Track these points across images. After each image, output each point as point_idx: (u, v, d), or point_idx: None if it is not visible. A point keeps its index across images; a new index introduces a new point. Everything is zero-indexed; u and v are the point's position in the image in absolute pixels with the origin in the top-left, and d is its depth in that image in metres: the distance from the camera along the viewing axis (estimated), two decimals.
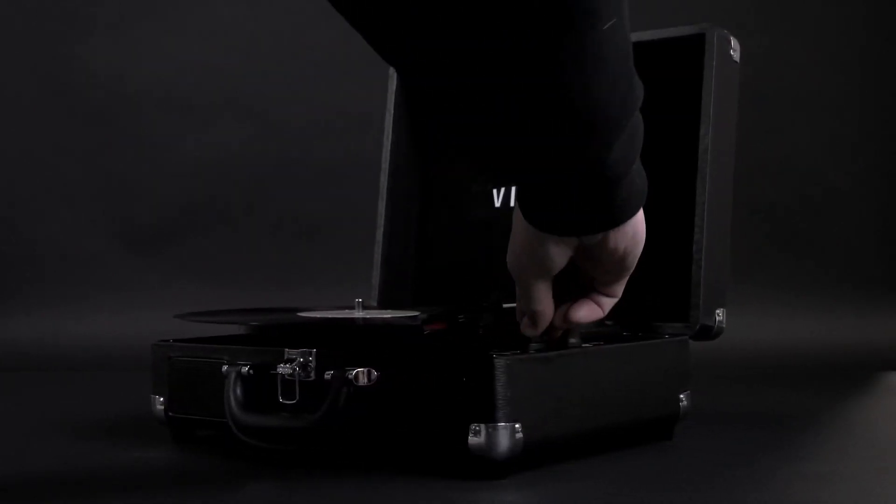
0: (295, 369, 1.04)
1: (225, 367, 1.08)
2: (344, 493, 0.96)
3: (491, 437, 0.95)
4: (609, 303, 1.01)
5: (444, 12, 0.71)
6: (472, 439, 0.96)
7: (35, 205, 2.25)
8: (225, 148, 2.32)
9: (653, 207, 1.28)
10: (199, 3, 2.34)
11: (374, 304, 1.43)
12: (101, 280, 2.24)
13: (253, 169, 2.33)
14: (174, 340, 1.16)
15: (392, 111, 1.46)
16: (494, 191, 1.39)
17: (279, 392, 1.05)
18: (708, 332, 1.22)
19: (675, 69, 1.27)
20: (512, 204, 1.34)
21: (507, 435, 0.95)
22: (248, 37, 2.32)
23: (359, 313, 1.20)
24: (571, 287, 1.00)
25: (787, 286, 2.20)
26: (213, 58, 2.33)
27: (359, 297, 1.24)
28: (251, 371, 1.07)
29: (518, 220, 0.93)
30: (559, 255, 0.93)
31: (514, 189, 1.01)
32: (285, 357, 1.05)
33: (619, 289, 1.00)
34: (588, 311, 1.00)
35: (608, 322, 1.17)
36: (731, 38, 1.27)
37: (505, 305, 1.08)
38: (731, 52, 1.27)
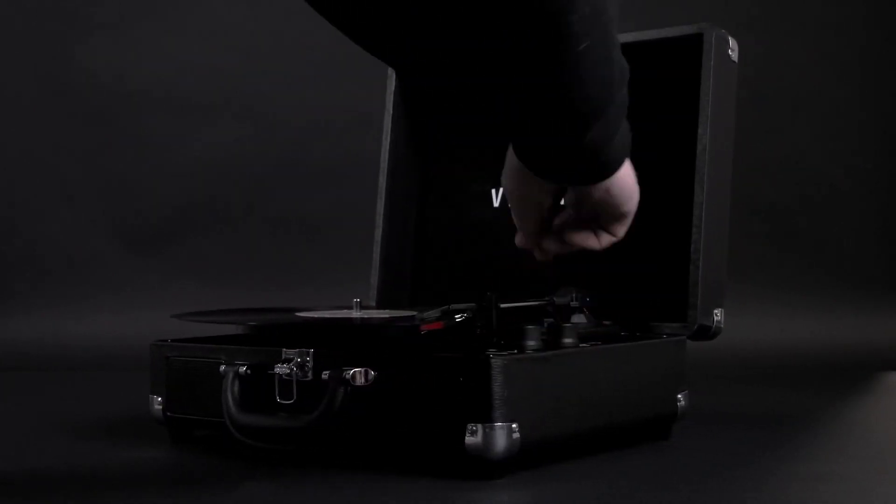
0: (292, 369, 1.04)
1: (222, 367, 1.08)
2: (341, 493, 0.96)
3: (488, 437, 0.95)
4: (608, 239, 1.04)
5: (444, 13, 0.76)
6: (468, 439, 0.96)
7: (35, 205, 2.25)
8: (225, 148, 2.32)
9: (651, 207, 1.28)
10: (199, 3, 2.34)
11: (373, 304, 1.43)
12: (101, 280, 2.24)
13: (253, 169, 2.33)
14: (172, 340, 1.16)
15: (391, 111, 1.46)
16: (493, 191, 1.39)
17: (276, 392, 1.05)
18: (706, 332, 1.22)
19: (673, 69, 1.27)
20: None
21: (503, 435, 0.95)
22: (248, 37, 2.32)
23: (356, 313, 1.20)
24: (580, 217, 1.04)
25: (787, 286, 2.20)
26: (213, 58, 2.33)
27: (359, 298, 1.24)
28: (249, 371, 1.07)
29: (510, 150, 0.98)
30: (543, 190, 0.99)
31: None
32: (283, 357, 1.05)
33: (620, 230, 1.04)
34: (582, 237, 1.03)
35: (606, 322, 1.17)
36: (730, 38, 1.27)
37: (502, 305, 1.08)
38: (730, 52, 1.27)
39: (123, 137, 2.32)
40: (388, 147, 1.46)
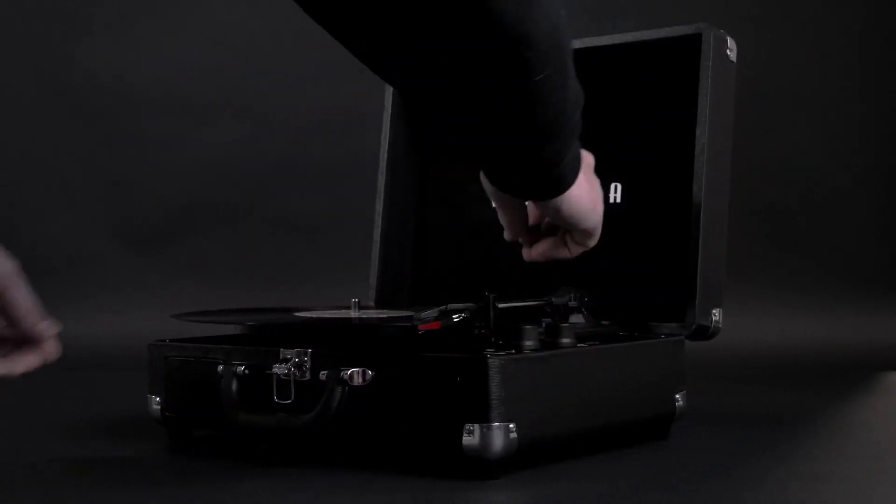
0: (290, 369, 1.04)
1: (221, 367, 1.08)
2: (338, 492, 0.96)
3: (485, 437, 0.95)
4: (577, 249, 1.09)
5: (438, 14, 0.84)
6: (466, 439, 0.96)
7: (35, 205, 2.25)
8: (225, 148, 2.32)
9: (650, 207, 1.29)
10: (199, 3, 2.34)
11: (372, 303, 1.43)
12: (101, 280, 2.24)
13: (253, 169, 2.33)
14: (170, 341, 1.16)
15: (389, 111, 1.46)
16: None
17: (274, 392, 1.05)
18: (704, 332, 1.22)
19: (671, 69, 1.27)
20: None
21: (501, 435, 0.95)
22: (247, 37, 2.32)
23: (355, 313, 1.20)
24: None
25: (787, 286, 2.20)
26: (213, 58, 2.33)
27: (359, 298, 1.24)
28: (247, 371, 1.07)
29: None
30: (513, 201, 1.07)
31: None
32: (281, 357, 1.05)
33: (590, 241, 1.09)
34: (550, 248, 1.09)
35: (605, 322, 1.17)
36: (728, 38, 1.27)
37: (500, 305, 1.08)
38: (728, 52, 1.27)
39: (123, 137, 2.32)
40: (386, 147, 1.46)
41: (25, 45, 2.30)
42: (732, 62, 1.27)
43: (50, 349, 0.98)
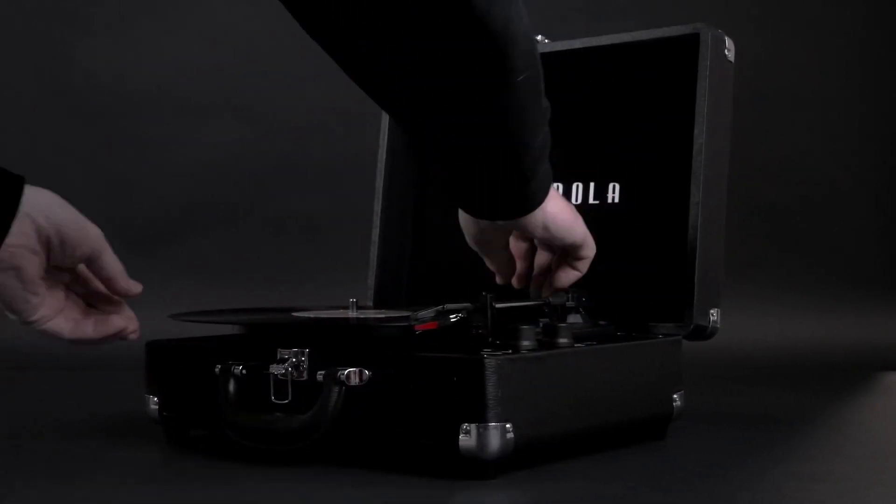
0: (288, 369, 1.04)
1: (218, 368, 1.08)
2: (335, 492, 0.96)
3: (482, 437, 0.95)
4: (582, 264, 1.15)
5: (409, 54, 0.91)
6: (462, 439, 0.96)
7: None
8: (225, 148, 2.32)
9: (648, 207, 1.29)
10: (199, 3, 2.34)
11: (370, 304, 1.43)
12: None
13: (253, 169, 2.33)
14: (168, 341, 1.17)
15: None
16: None
17: (272, 392, 1.05)
18: (702, 332, 1.22)
19: (669, 69, 1.27)
20: None
21: (497, 435, 0.95)
22: (248, 37, 2.32)
23: (352, 313, 1.20)
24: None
25: (787, 286, 2.20)
26: (213, 58, 2.33)
27: (359, 298, 1.24)
28: (244, 371, 1.07)
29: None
30: (491, 232, 1.12)
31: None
32: (278, 357, 1.05)
33: (588, 251, 1.14)
34: (562, 276, 1.15)
35: (602, 322, 1.17)
36: (726, 38, 1.27)
37: (498, 305, 1.08)
38: (726, 52, 1.27)
39: (123, 137, 2.32)
40: (385, 148, 1.46)
41: (25, 45, 2.30)
42: (731, 62, 1.27)
43: (130, 319, 1.10)
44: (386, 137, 1.46)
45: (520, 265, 1.18)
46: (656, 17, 1.93)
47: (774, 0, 2.31)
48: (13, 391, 1.73)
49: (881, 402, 1.61)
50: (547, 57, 1.35)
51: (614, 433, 1.11)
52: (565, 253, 1.15)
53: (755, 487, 0.97)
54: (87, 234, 1.05)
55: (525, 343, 1.02)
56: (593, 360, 1.07)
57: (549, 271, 1.17)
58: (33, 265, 1.02)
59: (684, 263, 1.22)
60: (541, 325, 1.09)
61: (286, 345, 1.04)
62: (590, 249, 1.14)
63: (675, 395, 1.16)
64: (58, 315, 1.06)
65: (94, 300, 1.10)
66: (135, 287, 1.09)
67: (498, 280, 1.19)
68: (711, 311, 1.23)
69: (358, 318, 1.16)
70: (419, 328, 1.02)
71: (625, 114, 1.32)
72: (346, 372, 1.00)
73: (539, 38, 1.37)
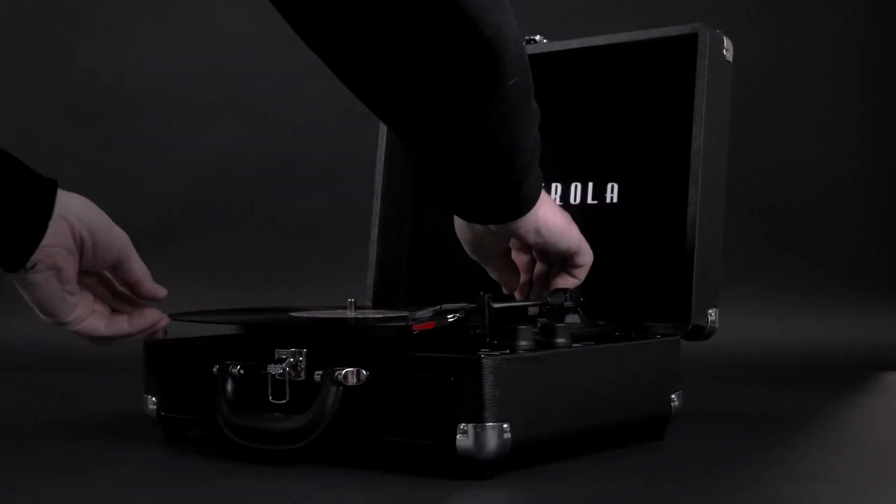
0: (285, 369, 1.04)
1: (216, 368, 1.08)
2: (332, 492, 0.96)
3: (479, 438, 0.95)
4: (580, 272, 1.16)
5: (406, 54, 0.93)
6: (459, 439, 0.96)
7: None
8: (225, 148, 2.32)
9: (646, 207, 1.29)
10: (199, 3, 2.34)
11: (369, 304, 1.43)
12: None
13: (253, 169, 2.33)
14: (166, 340, 1.17)
15: None
16: None
17: (269, 392, 1.05)
18: (700, 332, 1.22)
19: (667, 69, 1.27)
20: None
21: (494, 435, 0.95)
22: (248, 37, 2.32)
23: (351, 313, 1.20)
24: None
25: (787, 286, 2.20)
26: (213, 58, 2.33)
27: (359, 298, 1.24)
28: (242, 371, 1.07)
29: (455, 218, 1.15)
30: (486, 238, 1.13)
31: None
32: (276, 357, 1.05)
33: (584, 259, 1.16)
34: (560, 282, 1.16)
35: (600, 322, 1.17)
36: (725, 38, 1.27)
37: (496, 305, 1.08)
38: (724, 52, 1.27)
39: (123, 137, 2.32)
40: (384, 147, 1.46)
41: (25, 45, 2.30)
42: (729, 62, 1.27)
43: (157, 316, 1.13)
44: (385, 138, 1.46)
45: (522, 277, 1.20)
46: (656, 16, 1.93)
47: (774, 0, 2.31)
48: (14, 391, 1.73)
49: (881, 402, 1.61)
50: (545, 57, 1.36)
51: (612, 433, 1.11)
52: (563, 262, 1.16)
53: (753, 488, 0.97)
54: (117, 237, 1.09)
55: (522, 343, 1.02)
56: (591, 360, 1.07)
57: (547, 281, 1.18)
58: (70, 265, 1.05)
59: (682, 263, 1.22)
60: (538, 324, 1.09)
61: (284, 345, 1.05)
62: (586, 257, 1.16)
63: (673, 396, 1.16)
64: (91, 315, 1.10)
65: (118, 304, 1.14)
66: (160, 291, 1.13)
67: (505, 290, 1.20)
68: (710, 311, 1.23)
69: (356, 318, 1.16)
70: (416, 328, 1.02)
71: (623, 114, 1.32)
72: (343, 372, 1.00)
73: (537, 38, 1.37)
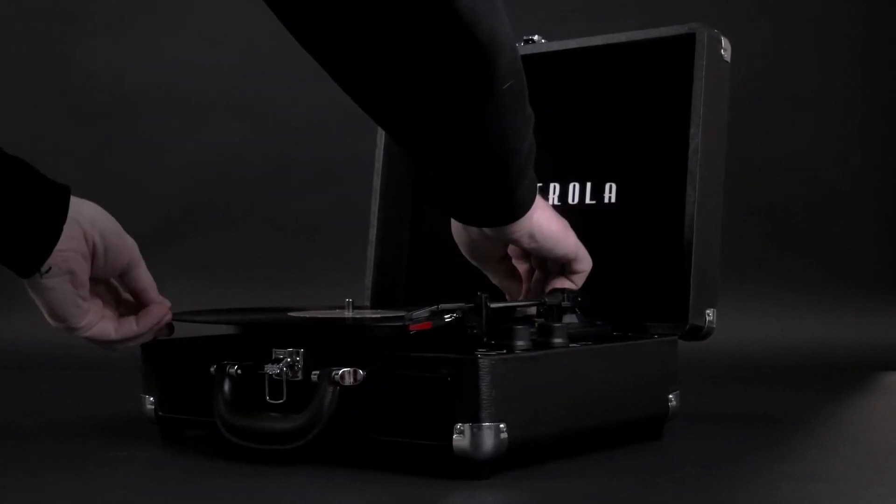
0: (282, 369, 1.04)
1: (213, 368, 1.08)
2: (329, 492, 0.96)
3: (475, 438, 0.95)
4: (578, 277, 1.16)
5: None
6: (456, 439, 0.96)
7: None
8: (225, 148, 2.32)
9: (644, 207, 1.29)
10: (199, 3, 2.34)
11: (367, 304, 1.43)
12: None
13: (253, 169, 2.33)
14: (164, 341, 1.17)
15: None
16: None
17: (267, 392, 1.05)
18: (698, 332, 1.22)
19: (665, 69, 1.27)
20: None
21: (491, 435, 0.95)
22: (247, 37, 2.32)
23: (348, 313, 1.20)
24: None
25: (787, 286, 2.20)
26: (213, 58, 2.33)
27: (358, 298, 1.24)
28: (239, 371, 1.07)
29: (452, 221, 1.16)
30: (483, 243, 1.14)
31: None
32: (273, 357, 1.05)
33: (582, 265, 1.16)
34: (557, 284, 1.16)
35: (598, 322, 1.17)
36: (723, 38, 1.27)
37: (493, 305, 1.08)
38: (722, 52, 1.27)
39: (123, 137, 2.32)
40: (382, 147, 1.46)
41: (25, 45, 2.30)
42: (727, 62, 1.27)
43: (162, 309, 1.14)
44: (383, 138, 1.46)
45: (525, 286, 1.20)
46: (656, 16, 1.93)
47: (774, 0, 2.31)
48: (13, 391, 1.73)
49: (881, 402, 1.60)
50: (543, 57, 1.36)
51: (609, 433, 1.11)
52: (561, 268, 1.17)
53: (752, 488, 0.97)
54: (126, 244, 1.11)
55: (520, 343, 1.02)
56: (588, 360, 1.07)
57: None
58: (84, 270, 1.07)
59: (680, 263, 1.22)
60: (536, 325, 1.09)
61: (281, 345, 1.05)
62: (584, 263, 1.16)
63: (670, 395, 1.16)
64: (101, 320, 1.11)
65: (123, 312, 1.15)
66: (165, 303, 1.15)
67: (508, 298, 1.21)
68: (707, 312, 1.23)
69: (353, 318, 1.16)
70: (413, 328, 1.02)
71: (621, 114, 1.32)
72: (340, 372, 1.00)
73: (535, 38, 1.37)
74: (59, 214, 1.04)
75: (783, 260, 2.25)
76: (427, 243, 1.46)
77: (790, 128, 2.30)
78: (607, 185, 1.31)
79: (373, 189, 1.46)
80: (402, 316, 1.04)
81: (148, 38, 2.33)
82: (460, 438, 0.96)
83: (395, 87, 0.98)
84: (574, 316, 1.15)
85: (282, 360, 1.04)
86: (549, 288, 1.16)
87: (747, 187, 2.18)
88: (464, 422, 0.95)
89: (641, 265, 1.26)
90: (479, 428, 0.95)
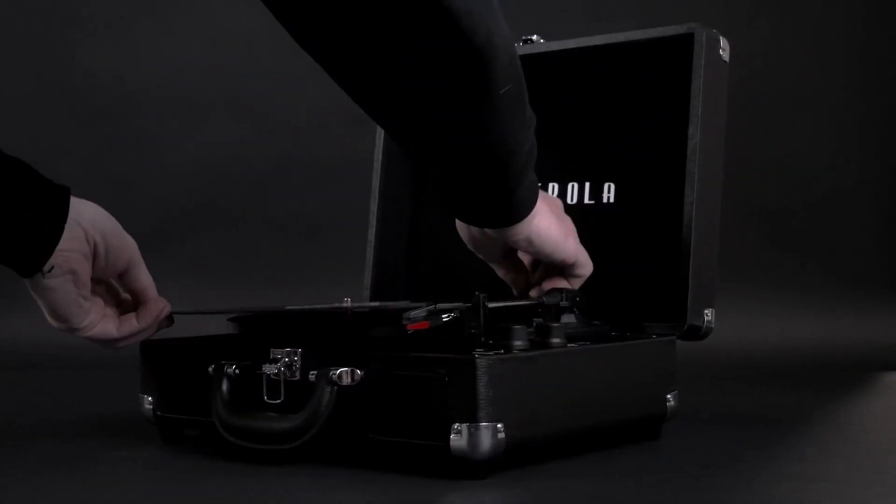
0: (280, 369, 1.04)
1: (211, 367, 1.08)
2: (327, 492, 0.96)
3: (473, 437, 0.95)
4: (576, 281, 1.17)
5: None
6: (453, 439, 0.96)
7: None
8: (225, 148, 2.32)
9: (643, 207, 1.29)
10: (199, 3, 2.34)
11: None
12: None
13: (253, 169, 2.33)
14: (162, 340, 1.17)
15: None
16: None
17: (264, 392, 1.05)
18: (696, 332, 1.22)
19: (664, 69, 1.27)
20: None
21: (488, 435, 0.95)
22: (247, 37, 2.32)
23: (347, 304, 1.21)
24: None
25: (787, 286, 2.20)
26: (213, 58, 2.33)
27: (357, 298, 1.24)
28: (237, 371, 1.07)
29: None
30: (484, 241, 1.14)
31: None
32: (271, 357, 1.05)
33: (581, 270, 1.17)
34: (553, 283, 1.17)
35: (596, 322, 1.17)
36: (721, 37, 1.27)
37: (491, 305, 1.08)
38: (721, 52, 1.27)
39: (123, 137, 2.32)
40: (381, 147, 1.46)
41: (25, 45, 2.31)
42: (725, 62, 1.27)
43: (161, 303, 1.14)
44: (382, 138, 1.46)
45: (528, 278, 1.20)
46: (656, 17, 1.93)
47: (774, 0, 2.31)
48: (13, 391, 1.74)
49: (881, 402, 1.60)
50: (542, 57, 1.36)
51: (607, 433, 1.11)
52: (561, 270, 1.17)
53: (750, 488, 0.96)
54: (127, 244, 1.11)
55: (517, 343, 1.02)
56: (586, 360, 1.07)
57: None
58: (85, 270, 1.08)
59: (679, 263, 1.22)
60: (534, 324, 1.09)
61: (278, 342, 1.05)
62: (584, 269, 1.17)
63: (668, 396, 1.16)
64: (102, 319, 1.11)
65: (121, 311, 1.15)
66: (164, 305, 1.15)
67: (515, 291, 1.20)
68: (706, 312, 1.23)
69: (353, 309, 1.16)
70: (411, 328, 1.02)
71: (620, 114, 1.32)
72: (338, 372, 1.00)
73: (534, 38, 1.37)
74: (60, 214, 1.05)
75: (783, 260, 2.25)
76: (426, 243, 1.46)
77: (790, 128, 2.30)
78: (606, 185, 1.31)
79: (372, 189, 1.46)
80: (400, 316, 1.04)
81: (148, 38, 2.33)
82: (457, 438, 0.96)
83: (394, 88, 0.98)
84: (572, 316, 1.15)
85: (279, 359, 1.04)
86: (545, 287, 1.16)
87: (747, 187, 2.18)
88: (461, 422, 0.95)
89: (640, 265, 1.26)
90: (477, 428, 0.95)
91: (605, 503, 0.92)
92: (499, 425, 0.96)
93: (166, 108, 2.32)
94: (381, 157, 1.45)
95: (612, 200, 1.31)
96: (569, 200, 1.33)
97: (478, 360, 0.95)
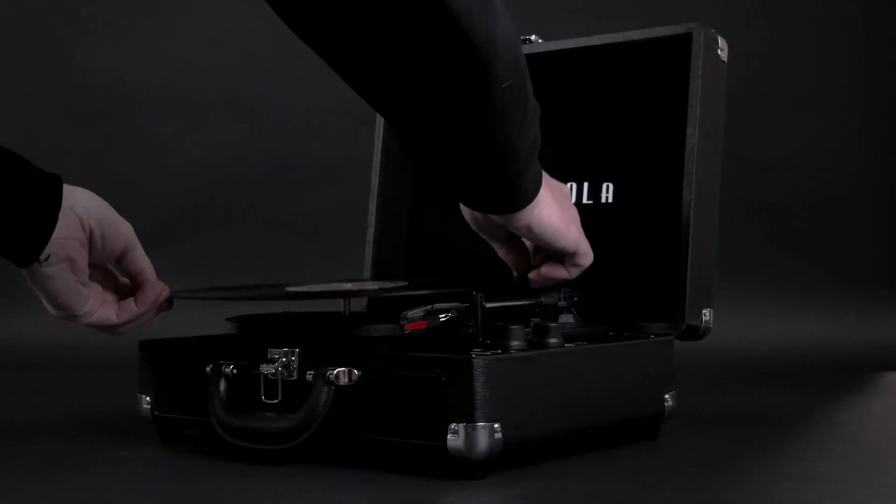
0: (277, 369, 1.04)
1: (209, 367, 1.08)
2: (324, 492, 0.96)
3: (470, 437, 0.95)
4: (574, 270, 1.15)
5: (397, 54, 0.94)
6: (451, 439, 0.96)
7: None
8: (225, 148, 2.32)
9: (640, 207, 1.29)
10: (199, 3, 2.34)
11: (365, 304, 1.43)
12: None
13: (253, 169, 2.33)
14: (160, 340, 1.17)
15: None
16: None
17: (262, 392, 1.05)
18: (695, 332, 1.22)
19: (662, 69, 1.27)
20: None
21: (485, 435, 0.95)
22: (247, 37, 2.32)
23: (348, 285, 1.21)
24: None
25: (787, 286, 2.20)
26: (213, 58, 2.33)
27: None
28: (235, 371, 1.07)
29: None
30: (486, 225, 1.12)
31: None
32: (268, 357, 1.05)
33: (580, 260, 1.15)
34: (549, 269, 1.15)
35: (594, 322, 1.17)
36: (719, 38, 1.27)
37: (489, 305, 1.08)
38: (719, 52, 1.27)
39: (123, 137, 2.32)
40: (380, 148, 1.46)
41: (25, 45, 2.31)
42: (724, 62, 1.27)
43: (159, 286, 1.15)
44: (381, 138, 1.46)
45: (530, 260, 1.19)
46: (655, 17, 1.93)
47: (774, 0, 2.31)
48: (13, 391, 1.74)
49: (881, 402, 1.60)
50: (540, 57, 1.36)
51: (605, 433, 1.11)
52: (562, 257, 1.16)
53: (749, 488, 0.97)
54: (122, 227, 1.13)
55: (514, 343, 1.02)
56: (583, 360, 1.07)
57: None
58: (82, 257, 1.08)
59: (677, 263, 1.21)
60: (532, 324, 1.09)
61: (276, 342, 1.05)
62: (584, 258, 1.15)
63: (666, 396, 1.16)
64: (102, 305, 1.12)
65: (122, 296, 1.16)
66: (162, 287, 1.15)
67: (514, 273, 1.20)
68: (704, 312, 1.23)
69: (356, 287, 1.16)
70: (408, 328, 1.02)
71: (618, 114, 1.32)
72: (335, 372, 1.00)
73: (533, 37, 1.38)
74: (54, 203, 1.05)
75: (783, 260, 2.25)
76: (426, 243, 1.46)
77: (790, 128, 2.30)
78: (604, 185, 1.31)
79: (370, 189, 1.46)
80: (398, 316, 1.04)
81: (148, 38, 2.33)
82: (455, 438, 0.96)
83: (394, 87, 0.98)
84: (570, 316, 1.15)
85: (277, 359, 1.04)
86: (543, 272, 1.15)
87: (747, 187, 2.18)
88: (458, 422, 0.95)
89: (638, 265, 1.26)
90: (474, 428, 0.95)
91: (603, 503, 0.92)
92: (496, 425, 0.96)
93: (166, 108, 2.32)
94: (380, 156, 1.46)
95: (610, 200, 1.31)
96: None
97: (475, 360, 0.95)
